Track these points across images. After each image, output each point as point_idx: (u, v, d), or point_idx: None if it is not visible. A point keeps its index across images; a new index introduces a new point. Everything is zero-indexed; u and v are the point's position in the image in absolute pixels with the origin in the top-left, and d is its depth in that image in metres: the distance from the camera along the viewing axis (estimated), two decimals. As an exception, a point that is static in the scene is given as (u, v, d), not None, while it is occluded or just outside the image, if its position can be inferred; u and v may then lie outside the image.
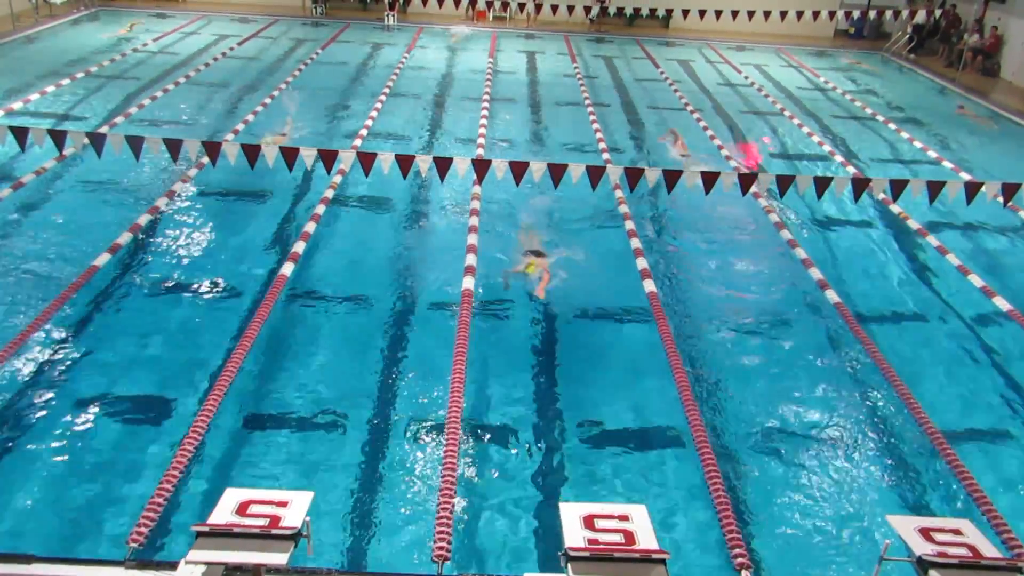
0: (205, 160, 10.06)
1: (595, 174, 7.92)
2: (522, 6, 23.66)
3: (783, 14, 20.24)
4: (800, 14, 20.37)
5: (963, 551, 3.84)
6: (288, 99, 14.89)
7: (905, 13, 22.25)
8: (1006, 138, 16.17)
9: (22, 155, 10.41)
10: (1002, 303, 8.34)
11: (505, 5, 23.93)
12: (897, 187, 8.03)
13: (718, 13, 20.66)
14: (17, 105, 13.15)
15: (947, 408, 6.97)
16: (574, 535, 3.82)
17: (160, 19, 22.01)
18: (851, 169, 12.81)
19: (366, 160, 7.90)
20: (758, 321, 8.25)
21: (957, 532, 3.98)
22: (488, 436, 6.23)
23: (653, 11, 25.59)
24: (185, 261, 8.68)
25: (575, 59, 20.41)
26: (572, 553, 3.72)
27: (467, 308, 7.54)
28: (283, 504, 3.92)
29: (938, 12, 23.57)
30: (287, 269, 8.08)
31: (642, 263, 8.78)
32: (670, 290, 8.73)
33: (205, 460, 5.72)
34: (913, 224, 10.52)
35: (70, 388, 6.44)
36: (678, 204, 10.81)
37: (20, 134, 7.70)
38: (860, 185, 8.23)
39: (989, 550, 3.88)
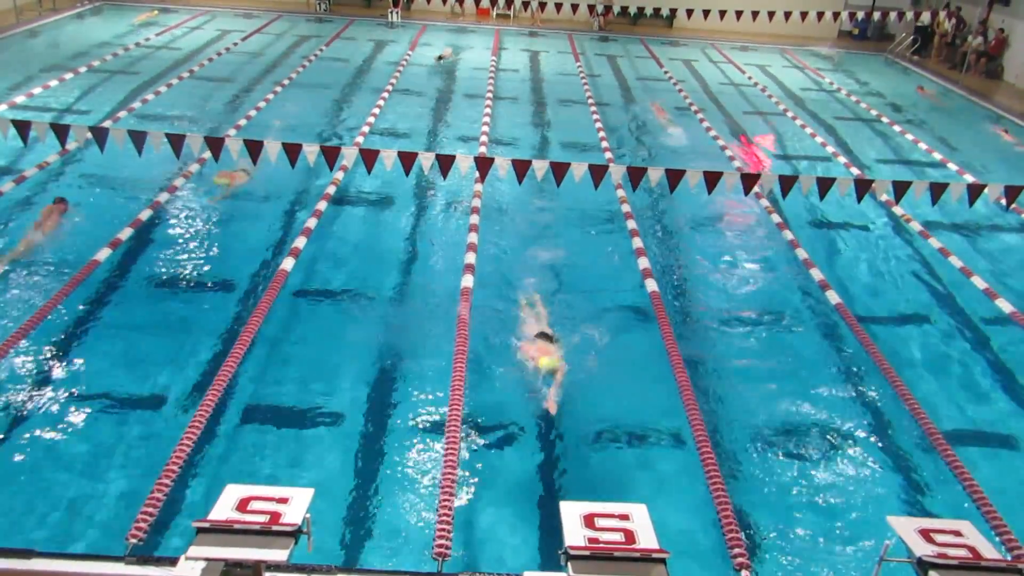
0: (207, 155, 10.06)
1: (597, 173, 7.91)
2: (526, 4, 23.63)
3: (787, 15, 20.23)
4: (804, 15, 20.36)
5: (963, 552, 3.83)
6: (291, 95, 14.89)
7: (910, 15, 22.20)
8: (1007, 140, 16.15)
9: (25, 149, 10.41)
10: (1004, 305, 8.33)
11: (509, 3, 23.90)
12: (900, 188, 8.01)
13: (722, 13, 20.66)
14: (20, 99, 13.15)
15: (948, 409, 6.97)
16: (574, 534, 3.82)
17: (164, 14, 22.01)
18: (854, 170, 12.80)
19: (369, 157, 7.90)
20: (759, 321, 8.24)
21: (957, 533, 3.98)
22: (489, 434, 6.22)
23: (657, 10, 25.57)
24: (186, 256, 8.68)
25: (578, 58, 20.39)
26: (572, 552, 3.71)
27: (467, 306, 7.54)
28: (283, 501, 3.92)
29: (943, 14, 23.52)
30: (288, 264, 8.08)
31: (644, 263, 8.77)
32: (671, 289, 8.72)
33: (205, 456, 5.72)
34: (915, 225, 10.51)
35: (69, 382, 6.44)
36: (680, 203, 10.81)
37: (23, 128, 7.70)
38: (863, 186, 8.22)
39: (989, 551, 3.88)
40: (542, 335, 7.29)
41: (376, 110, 14.11)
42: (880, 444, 6.49)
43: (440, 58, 18.99)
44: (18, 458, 5.61)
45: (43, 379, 6.45)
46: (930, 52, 23.55)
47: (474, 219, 9.58)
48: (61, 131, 7.77)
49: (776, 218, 10.55)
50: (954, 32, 22.99)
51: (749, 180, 8.15)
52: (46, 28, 19.10)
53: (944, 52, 22.71)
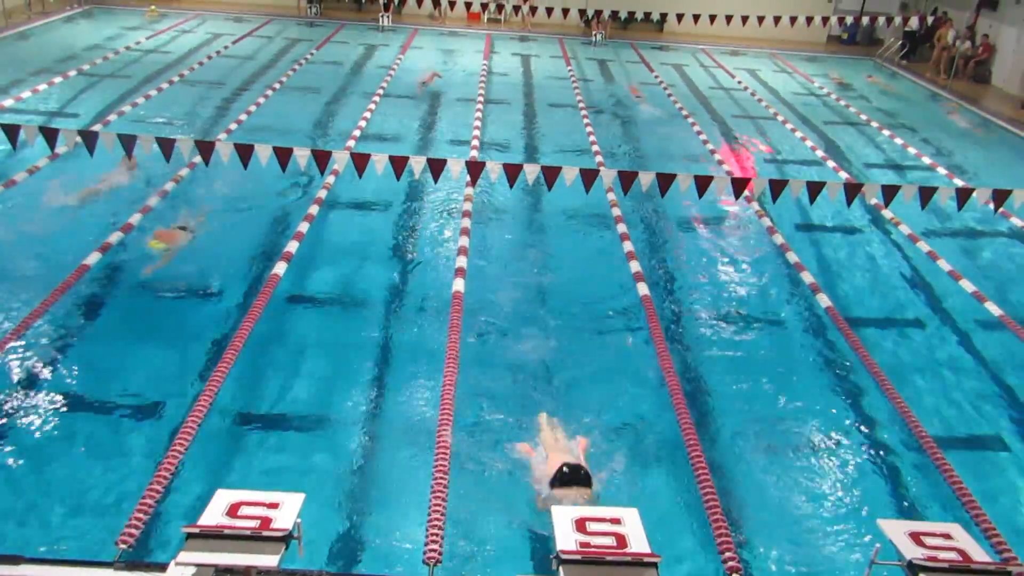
0: (198, 159, 10.02)
1: (588, 177, 7.93)
2: (517, 9, 23.67)
3: (776, 19, 20.33)
4: (793, 19, 20.46)
5: (953, 555, 3.85)
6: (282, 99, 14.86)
7: (898, 19, 22.34)
8: (997, 144, 16.28)
9: (14, 153, 10.34)
10: (993, 308, 8.37)
11: (500, 7, 23.93)
12: (889, 192, 8.06)
13: (712, 18, 20.72)
14: (9, 102, 13.08)
15: (937, 413, 7.00)
16: (566, 538, 3.81)
17: (160, 14, 21.98)
18: (843, 174, 12.86)
19: (360, 161, 7.89)
20: (750, 325, 8.26)
21: (947, 536, 3.99)
22: (480, 437, 6.21)
23: (648, 15, 25.66)
24: (176, 261, 8.64)
25: (569, 62, 20.43)
26: (564, 556, 3.71)
27: (458, 310, 7.53)
28: (274, 506, 3.90)
29: (931, 19, 23.67)
30: (279, 269, 8.05)
31: (635, 266, 8.79)
32: (662, 293, 8.74)
33: (196, 461, 5.68)
34: (905, 229, 10.56)
35: (59, 388, 6.40)
36: (671, 207, 10.83)
37: (12, 132, 7.66)
38: (852, 190, 8.25)
39: (979, 554, 3.89)
40: (573, 472, 5.44)
41: (367, 114, 14.10)
42: (870, 447, 6.52)
43: (424, 84, 16.93)
44: (5, 462, 5.56)
45: (31, 384, 6.41)
46: (922, 57, 23.62)
47: (466, 222, 9.58)
48: (50, 135, 7.72)
49: (766, 222, 10.59)
50: (955, 43, 23.12)
51: (739, 184, 8.18)
52: (36, 31, 19.00)
53: (943, 62, 22.80)
